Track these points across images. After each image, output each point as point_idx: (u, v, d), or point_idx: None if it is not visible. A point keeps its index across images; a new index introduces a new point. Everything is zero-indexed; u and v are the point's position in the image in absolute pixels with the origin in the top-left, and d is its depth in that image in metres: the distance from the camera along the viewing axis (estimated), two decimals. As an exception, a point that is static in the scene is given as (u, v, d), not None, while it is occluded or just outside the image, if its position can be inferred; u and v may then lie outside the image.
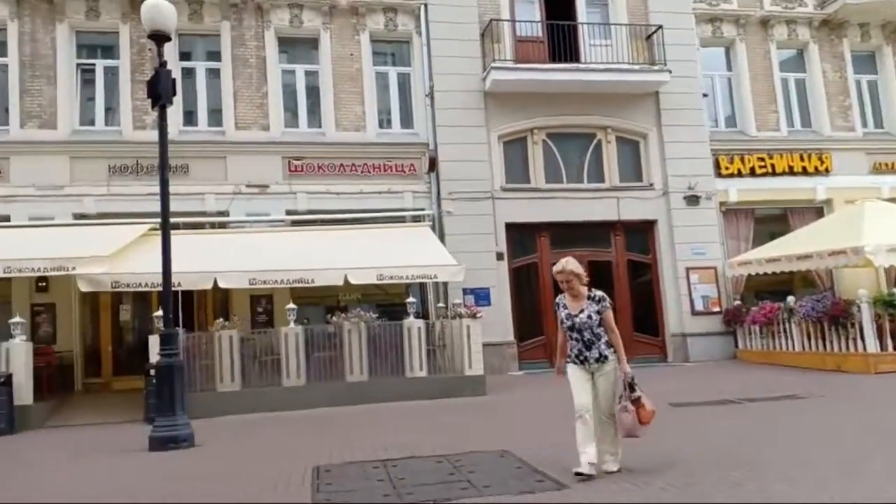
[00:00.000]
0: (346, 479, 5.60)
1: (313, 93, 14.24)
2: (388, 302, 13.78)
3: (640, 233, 15.12)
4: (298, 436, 8.13)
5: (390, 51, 15.03)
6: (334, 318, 11.25)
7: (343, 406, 10.19)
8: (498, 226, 14.07)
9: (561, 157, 14.79)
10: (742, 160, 15.44)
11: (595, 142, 15.01)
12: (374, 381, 10.88)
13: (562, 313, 5.43)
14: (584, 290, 5.39)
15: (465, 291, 13.15)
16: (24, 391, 9.83)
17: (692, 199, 14.91)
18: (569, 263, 5.39)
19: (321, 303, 13.70)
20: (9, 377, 9.62)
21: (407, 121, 14.65)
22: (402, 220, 13.83)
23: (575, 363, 5.32)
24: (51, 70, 13.00)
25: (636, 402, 5.18)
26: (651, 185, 15.05)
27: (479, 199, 13.99)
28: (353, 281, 11.18)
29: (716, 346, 14.39)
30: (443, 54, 14.27)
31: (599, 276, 14.40)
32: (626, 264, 14.94)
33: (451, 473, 5.59)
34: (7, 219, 12.38)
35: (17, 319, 10.19)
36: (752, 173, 15.44)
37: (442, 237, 13.46)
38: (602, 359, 5.24)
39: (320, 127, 14.09)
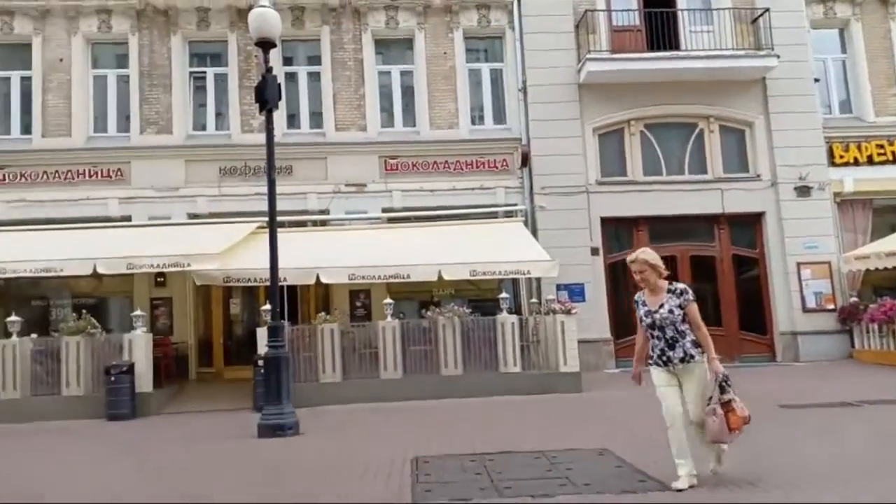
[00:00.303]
0: (444, 471, 5.70)
1: (408, 92, 14.51)
2: (480, 297, 13.83)
3: (747, 226, 14.42)
4: (396, 427, 8.34)
5: (483, 47, 15.07)
6: (429, 313, 11.44)
7: (438, 399, 10.35)
8: (593, 220, 13.82)
9: (660, 149, 14.35)
10: (859, 148, 14.40)
11: (697, 132, 14.45)
12: (468, 376, 10.98)
13: (641, 311, 5.05)
14: (664, 283, 4.99)
15: (558, 287, 13.03)
16: (144, 379, 10.59)
17: (803, 190, 14.07)
18: (643, 253, 5.05)
19: (416, 298, 13.96)
20: (131, 366, 10.40)
21: (499, 116, 14.66)
22: (494, 215, 13.89)
23: (658, 365, 4.93)
24: (167, 79, 13.94)
25: (726, 405, 4.72)
26: (758, 175, 14.32)
27: (573, 193, 13.80)
28: (446, 276, 11.32)
29: (829, 346, 13.54)
30: (536, 48, 14.17)
31: (702, 271, 14.01)
32: (732, 259, 14.30)
33: (549, 470, 5.57)
34: (129, 218, 13.40)
35: (138, 312, 11.05)
36: (870, 161, 14.36)
37: (535, 232, 13.39)
38: (688, 358, 4.82)
39: (415, 126, 14.34)
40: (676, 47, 14.05)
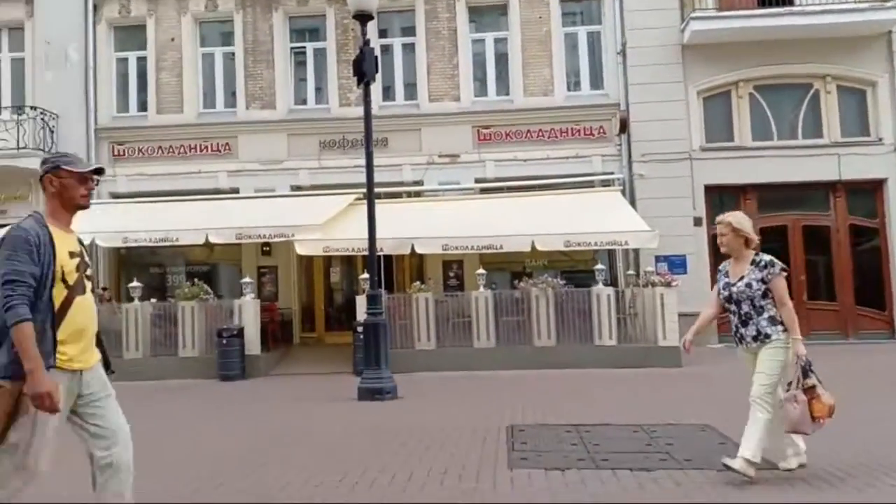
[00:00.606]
0: (539, 440, 5.73)
1: (502, 60, 14.32)
2: (573, 269, 13.69)
3: (866, 194, 13.42)
4: (490, 395, 8.42)
5: (579, 9, 14.61)
6: (522, 284, 11.42)
7: (531, 370, 10.35)
8: (696, 189, 13.26)
9: (771, 112, 13.52)
10: None
11: (812, 93, 13.48)
12: (561, 347, 10.92)
13: (721, 282, 4.63)
14: (749, 253, 4.52)
15: (657, 259, 12.63)
16: (252, 342, 11.25)
17: (933, 155, 12.88)
18: (732, 215, 4.60)
19: (508, 268, 13.98)
20: (241, 330, 11.06)
21: (596, 81, 14.22)
22: (590, 185, 13.58)
23: (736, 343, 4.59)
24: (269, 55, 14.42)
25: (810, 391, 4.21)
26: (880, 139, 13.23)
27: (675, 160, 13.26)
28: (539, 247, 11.24)
29: (959, 323, 12.48)
30: (636, 8, 13.60)
31: (815, 242, 13.23)
32: (848, 229, 13.36)
33: (648, 444, 5.48)
34: (237, 190, 14.10)
35: (247, 280, 11.71)
36: None
37: (633, 202, 13.01)
38: (762, 338, 4.36)
39: (508, 94, 14.17)
40: (790, 2, 13.11)
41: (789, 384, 4.34)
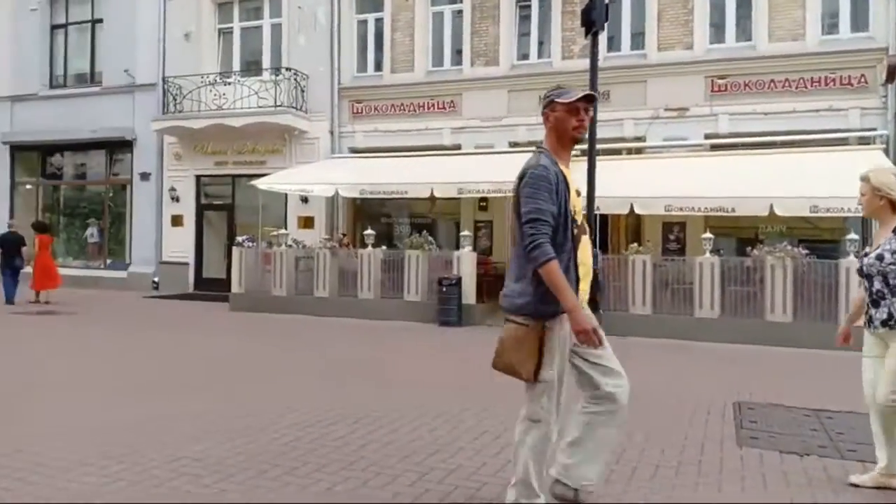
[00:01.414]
0: (773, 420, 5.30)
1: (744, 2, 12.92)
2: (816, 237, 12.27)
3: None
4: (712, 367, 7.94)
5: (843, -62, 12.63)
6: (755, 252, 10.47)
7: (760, 345, 9.57)
8: None
9: None
10: None
11: None
12: (798, 324, 9.88)
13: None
14: (894, 219, 3.67)
15: (927, 229, 10.77)
16: (469, 292, 11.77)
17: None
18: (875, 171, 3.74)
19: (735, 234, 12.96)
20: (459, 279, 11.61)
21: (858, 22, 12.30)
22: (844, 142, 11.94)
23: (865, 326, 3.81)
24: (495, 10, 14.50)
25: None
26: None
27: (960, 113, 11.11)
28: (779, 212, 10.18)
29: None
30: (921, -68, 11.42)
31: None
32: None
33: (908, 440, 4.77)
34: (459, 147, 14.58)
35: (465, 233, 12.24)
36: None
37: (898, 162, 11.19)
38: (893, 323, 3.61)
39: (750, 40, 12.83)
40: None
41: None
